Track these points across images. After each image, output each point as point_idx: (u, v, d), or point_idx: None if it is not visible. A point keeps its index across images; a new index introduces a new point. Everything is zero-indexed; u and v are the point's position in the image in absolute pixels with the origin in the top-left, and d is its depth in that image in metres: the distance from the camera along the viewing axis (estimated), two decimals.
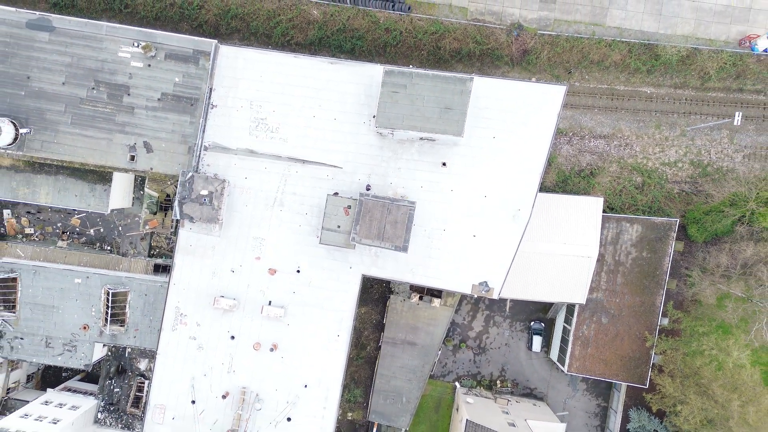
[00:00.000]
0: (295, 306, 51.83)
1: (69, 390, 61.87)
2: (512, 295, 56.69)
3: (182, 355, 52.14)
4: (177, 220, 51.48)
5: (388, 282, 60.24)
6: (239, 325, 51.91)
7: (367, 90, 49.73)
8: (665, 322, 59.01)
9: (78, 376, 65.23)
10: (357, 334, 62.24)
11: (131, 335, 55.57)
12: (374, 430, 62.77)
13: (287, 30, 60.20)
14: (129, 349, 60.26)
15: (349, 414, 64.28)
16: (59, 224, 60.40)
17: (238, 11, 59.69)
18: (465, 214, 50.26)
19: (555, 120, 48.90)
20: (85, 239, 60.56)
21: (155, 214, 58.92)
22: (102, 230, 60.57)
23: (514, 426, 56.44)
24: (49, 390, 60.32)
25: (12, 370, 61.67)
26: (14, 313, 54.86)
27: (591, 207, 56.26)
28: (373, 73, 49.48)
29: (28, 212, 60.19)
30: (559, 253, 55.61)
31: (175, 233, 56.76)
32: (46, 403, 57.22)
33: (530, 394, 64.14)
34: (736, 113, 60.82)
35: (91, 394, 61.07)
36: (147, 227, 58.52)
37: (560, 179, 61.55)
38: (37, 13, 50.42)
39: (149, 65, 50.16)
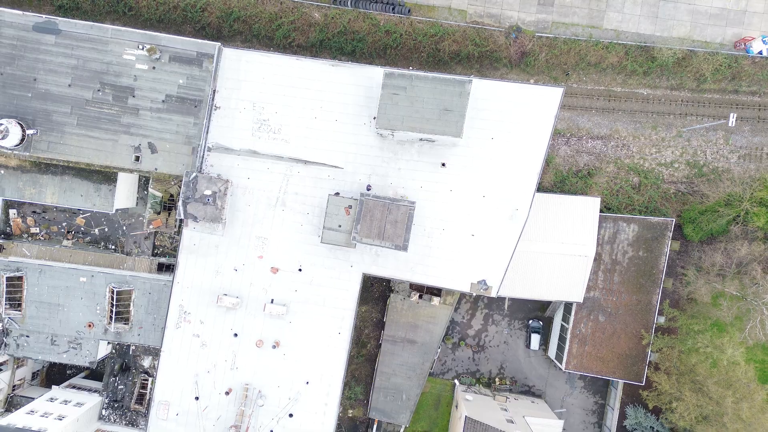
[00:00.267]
0: (296, 304, 52.69)
1: (74, 387, 62.68)
2: (511, 294, 57.46)
3: (186, 353, 53.00)
4: (181, 220, 52.29)
5: (388, 281, 61.03)
6: (242, 323, 52.78)
7: (367, 92, 50.55)
8: (661, 320, 59.79)
9: (82, 374, 66.00)
10: (357, 333, 63.02)
11: (135, 333, 56.42)
12: (374, 426, 63.50)
13: (289, 32, 60.98)
14: (133, 347, 61.08)
15: (350, 411, 65.06)
16: (64, 224, 61.22)
17: (240, 14, 60.47)
18: (464, 213, 51.09)
19: (552, 121, 49.72)
20: (89, 238, 61.40)
21: (159, 213, 59.71)
22: (106, 229, 61.42)
23: (512, 423, 57.05)
24: (54, 387, 61.10)
25: (18, 367, 62.44)
26: (20, 311, 55.68)
27: (588, 207, 57.03)
28: (373, 75, 50.34)
29: (34, 212, 61.02)
30: (557, 253, 56.37)
31: (179, 232, 57.64)
32: (52, 399, 58.02)
33: (528, 391, 64.94)
34: (731, 114, 61.68)
35: (95, 391, 61.86)
36: (151, 227, 59.29)
37: (558, 179, 62.37)
38: (44, 16, 51.22)
39: (154, 67, 50.99)
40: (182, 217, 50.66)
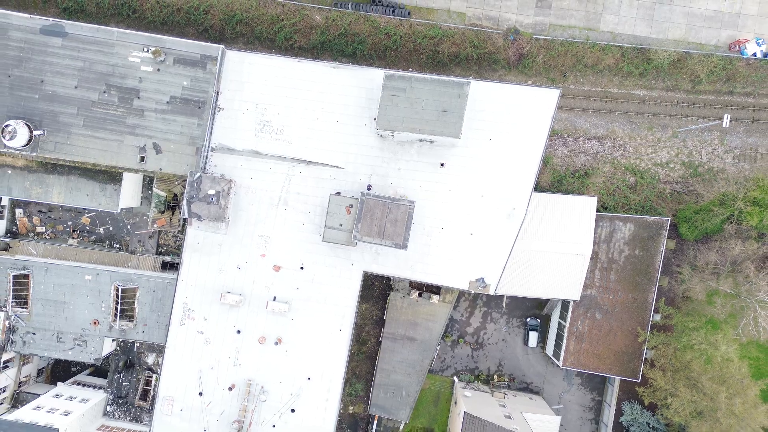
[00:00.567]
0: (298, 301, 53.59)
1: (79, 384, 63.56)
2: (509, 292, 58.20)
3: (190, 349, 53.90)
4: (185, 219, 53.17)
5: (388, 279, 61.88)
6: (245, 320, 53.68)
7: (368, 93, 51.39)
8: (657, 318, 60.63)
9: (87, 371, 66.88)
10: (358, 330, 63.85)
11: (140, 330, 57.32)
12: (375, 422, 64.28)
13: (290, 34, 61.80)
14: (137, 344, 61.99)
15: (351, 407, 65.86)
16: (70, 223, 62.15)
17: (243, 16, 61.32)
18: (462, 212, 51.93)
19: (549, 122, 50.53)
20: (95, 237, 62.32)
21: (163, 212, 60.58)
22: (111, 228, 62.34)
23: (510, 419, 57.81)
24: (59, 383, 61.99)
25: (23, 364, 63.33)
26: (26, 308, 56.60)
27: (585, 206, 57.83)
28: (374, 77, 51.19)
29: (40, 211, 61.94)
30: (554, 251, 57.09)
31: (182, 231, 58.49)
32: (57, 396, 58.95)
33: (526, 388, 65.76)
34: (725, 115, 62.57)
35: (100, 387, 62.80)
36: (155, 226, 60.15)
37: (555, 179, 63.21)
38: (51, 19, 52.07)
39: (158, 69, 51.91)
40: (186, 216, 51.55)
